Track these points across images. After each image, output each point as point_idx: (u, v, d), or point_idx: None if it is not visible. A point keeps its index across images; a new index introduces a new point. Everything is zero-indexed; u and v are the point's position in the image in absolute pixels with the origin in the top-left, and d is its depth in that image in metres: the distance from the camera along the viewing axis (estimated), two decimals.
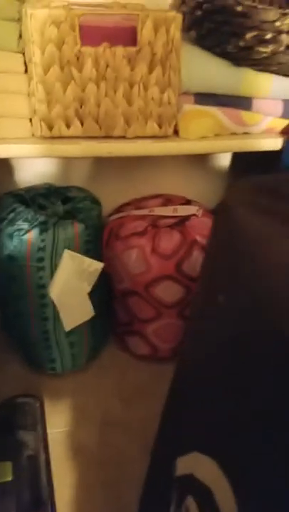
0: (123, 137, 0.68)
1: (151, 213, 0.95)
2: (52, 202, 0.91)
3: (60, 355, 0.94)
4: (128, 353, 1.03)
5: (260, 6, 0.59)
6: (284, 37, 0.59)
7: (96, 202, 0.93)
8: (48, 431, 0.86)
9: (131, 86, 0.64)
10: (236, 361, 0.30)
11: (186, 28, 0.70)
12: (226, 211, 0.33)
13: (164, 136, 0.69)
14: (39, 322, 0.89)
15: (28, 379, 0.96)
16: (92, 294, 0.90)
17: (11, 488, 0.73)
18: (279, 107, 0.71)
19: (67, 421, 0.89)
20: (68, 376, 0.97)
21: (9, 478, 0.74)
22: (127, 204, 1.01)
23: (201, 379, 0.38)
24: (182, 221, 0.92)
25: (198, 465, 0.35)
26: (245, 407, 0.28)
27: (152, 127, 0.68)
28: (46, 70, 0.61)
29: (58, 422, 0.89)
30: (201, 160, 1.03)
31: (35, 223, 0.82)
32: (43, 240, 0.81)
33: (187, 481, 0.37)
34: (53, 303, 0.86)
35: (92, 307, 0.91)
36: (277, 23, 0.59)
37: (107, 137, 0.68)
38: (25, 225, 0.82)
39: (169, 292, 0.90)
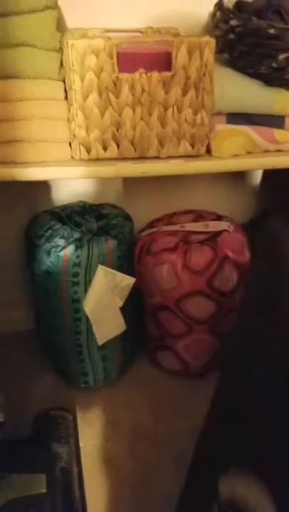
0: (157, 157, 0.71)
1: (183, 229, 0.96)
2: (87, 219, 0.94)
3: (93, 369, 0.96)
4: (159, 368, 1.03)
5: None
6: None
7: (128, 218, 0.95)
8: (81, 444, 0.88)
9: (165, 109, 0.66)
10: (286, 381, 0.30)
11: (219, 51, 0.72)
12: (270, 237, 0.35)
13: (197, 155, 0.71)
14: (73, 336, 0.91)
15: (62, 392, 0.98)
16: (125, 309, 0.92)
17: (45, 500, 0.74)
18: None
19: (100, 434, 0.91)
20: (100, 390, 0.99)
21: (43, 490, 0.76)
22: (159, 220, 1.03)
23: (246, 395, 0.38)
24: (213, 237, 0.92)
25: (239, 482, 0.36)
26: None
27: (185, 147, 0.70)
28: (85, 97, 0.64)
29: (90, 435, 0.90)
30: (233, 176, 1.04)
31: (71, 240, 0.85)
32: (78, 256, 0.84)
33: (228, 499, 0.38)
34: (86, 317, 0.89)
35: (124, 322, 0.93)
36: None
37: (141, 158, 0.70)
38: (61, 242, 0.85)
39: (200, 308, 0.91)
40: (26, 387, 0.99)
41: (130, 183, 1.02)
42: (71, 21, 0.80)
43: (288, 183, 0.99)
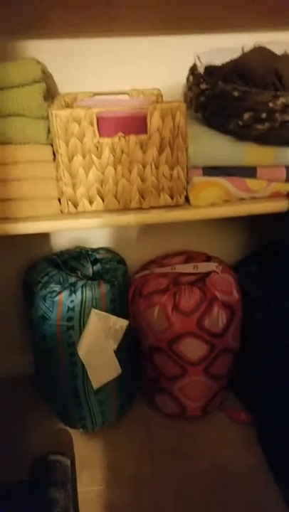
0: (140, 208, 0.76)
1: (173, 271, 1.00)
2: (82, 264, 0.99)
3: (90, 413, 0.97)
4: (157, 411, 1.04)
5: (254, 90, 0.67)
6: (278, 115, 0.66)
7: (122, 262, 1.00)
8: (79, 489, 0.88)
9: (144, 166, 0.72)
10: None
11: (194, 110, 0.79)
12: None
13: (176, 205, 0.77)
14: (69, 380, 0.93)
15: (61, 436, 0.99)
16: (120, 351, 0.94)
17: None
18: (282, 173, 0.76)
19: (98, 479, 0.91)
20: (99, 433, 0.99)
21: None
22: (152, 262, 1.07)
23: None
24: (202, 278, 0.96)
25: None
26: None
27: (165, 198, 0.75)
28: (70, 159, 0.71)
29: (89, 480, 0.90)
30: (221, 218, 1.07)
31: (66, 285, 0.89)
32: (72, 301, 0.88)
33: None
34: (82, 361, 0.91)
35: (119, 365, 0.95)
36: (270, 104, 0.66)
37: (125, 209, 0.76)
38: (57, 287, 0.89)
39: (192, 349, 0.93)
40: (25, 430, 1.01)
41: (125, 228, 1.07)
42: (64, 84, 0.88)
43: (275, 224, 1.03)
